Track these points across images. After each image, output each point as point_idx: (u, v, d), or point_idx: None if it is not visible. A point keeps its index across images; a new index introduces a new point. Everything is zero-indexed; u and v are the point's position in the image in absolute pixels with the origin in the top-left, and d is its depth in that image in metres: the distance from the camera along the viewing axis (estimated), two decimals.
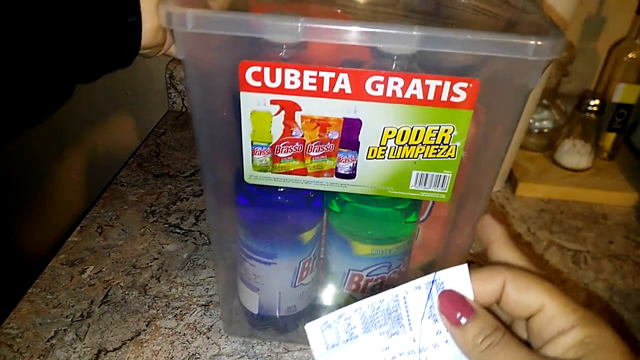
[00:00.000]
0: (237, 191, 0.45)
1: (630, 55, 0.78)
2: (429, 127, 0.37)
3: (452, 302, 0.28)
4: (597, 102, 0.77)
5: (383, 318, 0.28)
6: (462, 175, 0.43)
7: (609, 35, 0.86)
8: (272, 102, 0.36)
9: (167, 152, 0.84)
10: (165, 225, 0.68)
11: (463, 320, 0.27)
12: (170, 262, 0.62)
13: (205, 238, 0.66)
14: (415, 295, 0.28)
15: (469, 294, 0.28)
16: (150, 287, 0.58)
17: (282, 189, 0.44)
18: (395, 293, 0.28)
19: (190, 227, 0.68)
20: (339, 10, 0.35)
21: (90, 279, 0.59)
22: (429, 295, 0.28)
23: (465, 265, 0.28)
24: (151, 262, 0.62)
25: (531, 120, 0.82)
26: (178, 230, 0.67)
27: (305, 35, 0.32)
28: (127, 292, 0.57)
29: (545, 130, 0.83)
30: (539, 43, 0.32)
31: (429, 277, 0.28)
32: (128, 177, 0.77)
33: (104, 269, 0.60)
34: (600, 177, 0.81)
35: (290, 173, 0.40)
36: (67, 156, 1.07)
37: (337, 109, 0.36)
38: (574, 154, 0.80)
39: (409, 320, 0.28)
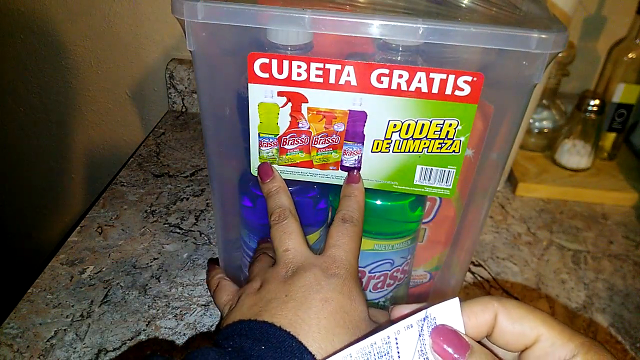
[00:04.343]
0: (241, 193, 0.45)
1: (630, 55, 0.78)
2: (433, 121, 0.37)
3: (445, 339, 0.27)
4: (597, 102, 0.77)
5: None
6: (470, 174, 0.43)
7: (609, 35, 0.87)
8: (280, 93, 0.36)
9: (167, 152, 0.84)
10: (165, 225, 0.67)
11: (457, 357, 0.26)
12: (170, 262, 0.62)
13: (206, 238, 0.65)
14: (407, 335, 0.27)
15: (460, 328, 0.27)
16: (150, 287, 0.58)
17: None
18: (386, 335, 0.27)
19: (190, 227, 0.67)
20: (347, 7, 0.35)
21: (90, 279, 0.58)
22: (420, 334, 0.27)
23: (457, 299, 0.28)
24: (151, 262, 0.61)
25: (531, 120, 0.83)
26: (178, 230, 0.67)
27: (313, 26, 0.32)
28: (127, 292, 0.57)
29: (545, 130, 0.83)
30: (542, 36, 0.33)
31: (420, 315, 0.27)
32: (128, 177, 0.77)
33: (104, 269, 0.60)
34: (600, 177, 0.81)
35: (296, 165, 0.40)
36: (67, 156, 1.07)
37: (343, 101, 0.36)
38: (574, 154, 0.80)
39: None
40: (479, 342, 0.28)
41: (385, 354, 0.27)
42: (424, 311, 0.27)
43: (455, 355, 0.26)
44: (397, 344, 0.27)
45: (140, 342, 0.52)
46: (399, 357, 0.27)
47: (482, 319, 0.28)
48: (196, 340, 0.52)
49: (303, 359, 0.31)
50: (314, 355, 0.32)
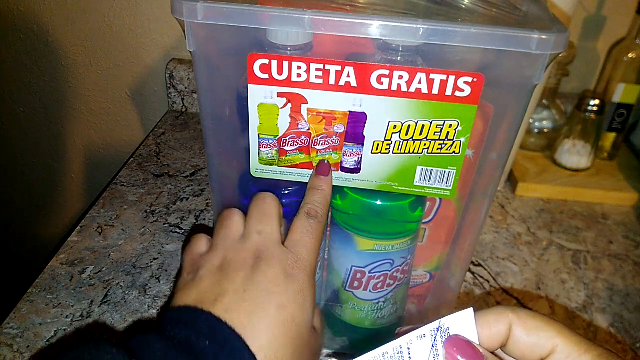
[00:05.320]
0: (241, 193, 0.45)
1: (630, 55, 0.78)
2: (433, 122, 0.37)
3: (459, 350, 0.27)
4: (597, 102, 0.77)
5: None
6: (470, 175, 0.43)
7: (609, 35, 0.87)
8: (279, 94, 0.36)
9: (167, 152, 0.84)
10: (165, 225, 0.67)
11: None
12: (170, 262, 0.62)
13: None
14: (420, 345, 0.27)
15: (474, 338, 0.27)
16: (150, 287, 0.58)
17: (285, 191, 0.44)
18: (399, 344, 0.27)
19: (190, 227, 0.67)
20: (347, 7, 0.35)
21: (90, 279, 0.58)
22: (433, 344, 0.27)
23: (471, 310, 0.27)
24: (151, 262, 0.61)
25: (531, 120, 0.83)
26: (178, 230, 0.67)
27: (313, 26, 0.32)
28: (127, 292, 0.57)
29: (545, 130, 0.83)
30: (543, 37, 0.32)
31: (434, 325, 0.27)
32: (128, 177, 0.77)
33: (104, 269, 0.60)
34: (600, 177, 0.81)
35: (296, 167, 0.40)
36: (67, 156, 1.07)
37: (343, 102, 0.36)
38: (574, 154, 0.80)
39: None
40: (493, 353, 0.27)
41: None
42: (437, 321, 0.27)
43: None
44: (409, 354, 0.27)
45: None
46: None
47: (497, 329, 0.27)
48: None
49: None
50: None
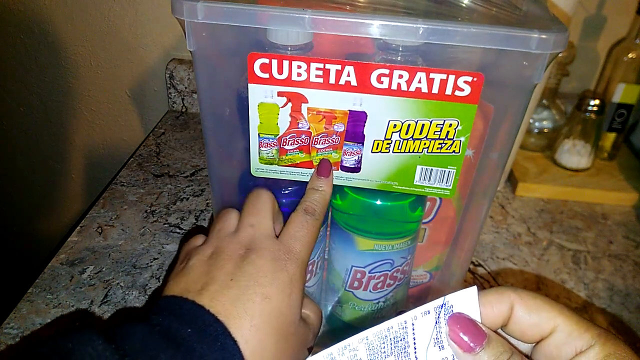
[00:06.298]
0: (241, 193, 0.45)
1: (630, 55, 0.78)
2: (433, 121, 0.37)
3: (462, 327, 0.27)
4: (597, 102, 0.77)
5: (390, 347, 0.27)
6: (470, 174, 0.43)
7: (609, 35, 0.87)
8: (279, 94, 0.36)
9: (167, 152, 0.84)
10: (165, 225, 0.67)
11: (474, 346, 0.26)
12: (170, 262, 0.62)
13: None
14: (424, 321, 0.27)
15: (476, 317, 0.27)
16: (150, 287, 0.58)
17: (285, 191, 0.44)
18: (403, 319, 0.27)
19: (190, 227, 0.67)
20: (347, 7, 0.35)
21: (90, 279, 0.58)
22: (436, 321, 0.27)
23: (475, 288, 0.27)
24: (151, 262, 0.61)
25: (531, 120, 0.83)
26: (178, 230, 0.67)
27: (313, 26, 0.32)
28: (127, 292, 0.57)
29: (545, 130, 0.83)
30: (543, 36, 0.33)
31: (438, 301, 0.27)
32: (128, 177, 0.77)
33: (104, 269, 0.60)
34: (600, 177, 0.81)
35: (296, 166, 0.40)
36: (67, 156, 1.07)
37: (343, 102, 0.36)
38: (574, 154, 0.80)
39: (415, 349, 0.27)
40: (494, 332, 0.28)
41: (401, 339, 0.27)
42: (441, 298, 0.27)
43: (472, 344, 0.26)
44: (413, 329, 0.27)
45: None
46: (414, 342, 0.27)
47: (499, 309, 0.28)
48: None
49: (226, 346, 0.32)
50: (240, 350, 0.32)
